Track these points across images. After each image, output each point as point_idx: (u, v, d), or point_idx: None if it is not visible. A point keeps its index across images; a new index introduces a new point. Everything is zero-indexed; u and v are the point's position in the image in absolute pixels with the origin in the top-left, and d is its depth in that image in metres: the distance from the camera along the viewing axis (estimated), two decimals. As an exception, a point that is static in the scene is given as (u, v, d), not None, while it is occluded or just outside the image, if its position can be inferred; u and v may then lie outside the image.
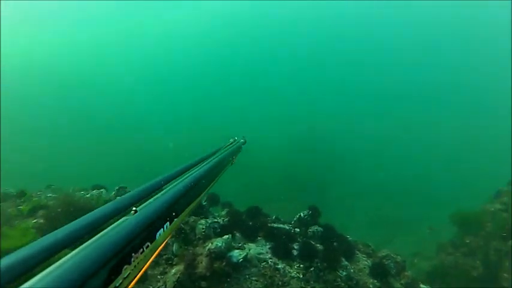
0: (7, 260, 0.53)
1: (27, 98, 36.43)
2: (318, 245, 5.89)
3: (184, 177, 1.36)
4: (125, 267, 0.73)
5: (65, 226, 0.71)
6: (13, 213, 4.98)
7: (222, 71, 52.95)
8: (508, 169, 9.14)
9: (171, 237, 4.92)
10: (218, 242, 4.91)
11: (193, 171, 1.48)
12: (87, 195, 5.89)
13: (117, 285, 0.69)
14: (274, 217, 6.77)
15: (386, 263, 6.39)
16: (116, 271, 0.70)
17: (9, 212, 4.91)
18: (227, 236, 5.12)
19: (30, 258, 0.56)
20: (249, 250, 5.32)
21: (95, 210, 0.83)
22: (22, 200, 5.82)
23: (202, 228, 5.19)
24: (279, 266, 5.26)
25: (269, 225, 5.91)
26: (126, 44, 52.90)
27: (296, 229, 6.15)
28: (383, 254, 6.62)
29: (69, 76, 44.21)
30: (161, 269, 4.66)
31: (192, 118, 39.32)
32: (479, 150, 28.47)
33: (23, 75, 40.53)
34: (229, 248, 5.03)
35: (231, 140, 2.68)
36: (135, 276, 0.77)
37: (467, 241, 7.81)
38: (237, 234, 5.62)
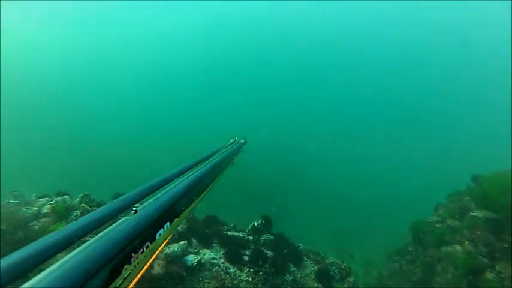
0: (7, 260, 0.56)
1: (27, 98, 36.87)
2: (269, 252, 6.91)
3: (185, 177, 1.41)
4: (125, 267, 0.77)
5: (65, 226, 0.74)
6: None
7: (210, 74, 54.16)
8: (450, 184, 10.56)
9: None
10: (175, 247, 5.84)
11: (194, 171, 1.55)
12: (51, 202, 6.52)
13: (118, 285, 0.73)
14: (232, 225, 7.75)
15: (331, 269, 7.50)
16: (116, 271, 0.73)
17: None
18: (183, 242, 6.06)
19: (30, 258, 0.59)
20: (204, 255, 6.27)
21: (95, 211, 0.86)
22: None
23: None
24: (231, 270, 6.23)
25: (224, 232, 6.88)
26: (126, 44, 53.63)
27: (250, 237, 7.16)
28: (329, 261, 7.74)
29: (69, 76, 45.29)
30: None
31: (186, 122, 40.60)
32: (432, 167, 30.98)
33: (23, 75, 41.12)
34: (185, 253, 5.97)
35: (231, 140, 2.79)
36: (136, 277, 0.81)
37: (410, 249, 9.11)
38: (194, 241, 6.57)
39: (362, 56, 55.71)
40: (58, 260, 0.64)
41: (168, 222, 1.10)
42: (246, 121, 41.42)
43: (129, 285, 0.78)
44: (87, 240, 0.74)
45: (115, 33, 50.67)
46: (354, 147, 36.70)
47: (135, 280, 0.82)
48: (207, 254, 6.38)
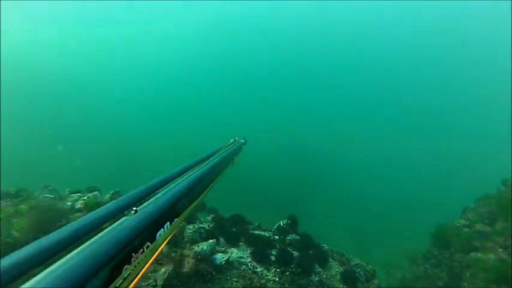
0: (7, 260, 0.56)
1: (27, 98, 36.70)
2: (295, 252, 6.80)
3: (185, 177, 1.42)
4: (125, 267, 0.78)
5: (66, 226, 0.75)
6: (11, 212, 5.57)
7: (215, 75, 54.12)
8: (477, 187, 10.43)
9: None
10: (204, 246, 5.72)
11: (194, 171, 1.56)
12: (84, 198, 6.57)
13: (118, 285, 0.74)
14: (256, 224, 7.63)
15: (356, 270, 7.39)
16: (116, 271, 0.74)
17: (7, 211, 5.51)
18: (212, 240, 5.93)
19: (30, 258, 0.59)
20: (231, 254, 6.15)
21: (96, 210, 0.88)
22: (20, 199, 6.45)
23: (190, 233, 6.01)
24: (258, 270, 6.11)
25: (250, 232, 6.76)
26: (126, 44, 53.53)
27: (275, 236, 7.04)
28: (355, 262, 7.64)
29: (69, 77, 45.09)
30: (151, 267, 5.45)
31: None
32: (432, 168, 31.04)
33: (23, 75, 40.78)
34: (213, 252, 5.85)
35: (232, 140, 2.79)
36: (136, 277, 0.82)
37: (435, 253, 8.98)
38: (221, 239, 6.44)
39: (362, 56, 55.77)
40: (58, 260, 0.64)
41: (168, 222, 1.11)
42: (246, 121, 41.39)
43: (129, 285, 0.79)
44: (87, 240, 0.74)
45: (115, 33, 50.53)
46: (353, 147, 36.71)
47: (136, 280, 0.82)
48: (234, 252, 6.26)
